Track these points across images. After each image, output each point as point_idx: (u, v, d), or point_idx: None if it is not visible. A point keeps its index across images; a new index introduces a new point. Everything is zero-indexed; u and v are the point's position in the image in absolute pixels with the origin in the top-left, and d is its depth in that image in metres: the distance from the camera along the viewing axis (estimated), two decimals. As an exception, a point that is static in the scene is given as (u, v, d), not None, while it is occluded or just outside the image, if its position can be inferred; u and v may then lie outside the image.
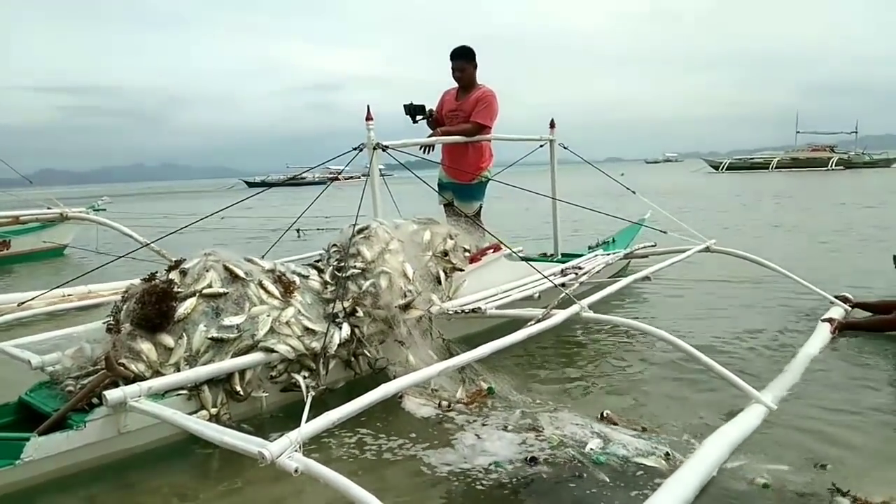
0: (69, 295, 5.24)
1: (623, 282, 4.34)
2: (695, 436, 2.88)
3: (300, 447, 2.14)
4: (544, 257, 5.97)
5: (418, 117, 4.91)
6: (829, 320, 4.39)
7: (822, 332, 4.23)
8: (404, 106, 4.94)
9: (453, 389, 3.55)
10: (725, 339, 4.32)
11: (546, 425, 3.02)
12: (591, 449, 2.76)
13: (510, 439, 2.92)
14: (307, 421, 2.25)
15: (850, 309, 4.75)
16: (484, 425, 3.09)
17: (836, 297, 4.85)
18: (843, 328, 4.34)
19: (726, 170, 47.06)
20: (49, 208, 8.78)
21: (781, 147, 54.63)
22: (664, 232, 5.67)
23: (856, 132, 57.13)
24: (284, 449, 2.09)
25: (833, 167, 41.37)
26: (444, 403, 3.43)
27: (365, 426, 3.16)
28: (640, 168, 76.90)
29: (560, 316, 3.58)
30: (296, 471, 2.04)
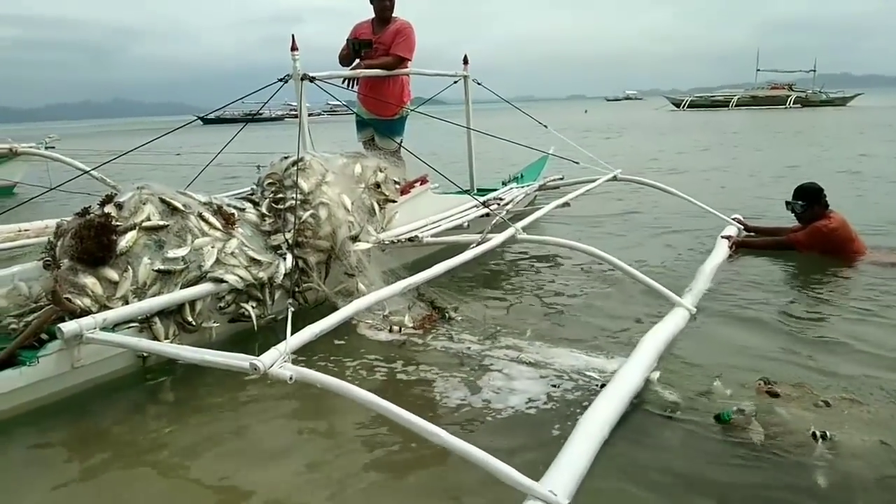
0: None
1: (547, 207, 4.59)
2: (627, 342, 3.18)
3: (289, 358, 2.20)
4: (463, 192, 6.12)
5: (363, 51, 4.84)
6: (728, 237, 4.84)
7: (722, 247, 4.69)
8: (349, 41, 4.85)
9: (402, 316, 3.66)
10: (640, 259, 4.68)
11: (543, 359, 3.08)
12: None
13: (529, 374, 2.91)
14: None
15: (741, 229, 5.25)
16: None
17: (732, 218, 5.35)
18: (739, 245, 4.82)
19: (687, 108, 46.94)
20: None
21: (742, 85, 54.52)
22: (577, 163, 5.98)
23: (814, 71, 57.04)
24: (275, 360, 2.15)
25: (791, 105, 41.54)
26: (395, 328, 3.54)
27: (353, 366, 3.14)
28: (601, 106, 76.73)
29: (498, 238, 3.77)
30: (290, 378, 2.12)
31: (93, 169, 5.00)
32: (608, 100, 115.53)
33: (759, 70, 55.99)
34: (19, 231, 5.07)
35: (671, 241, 5.29)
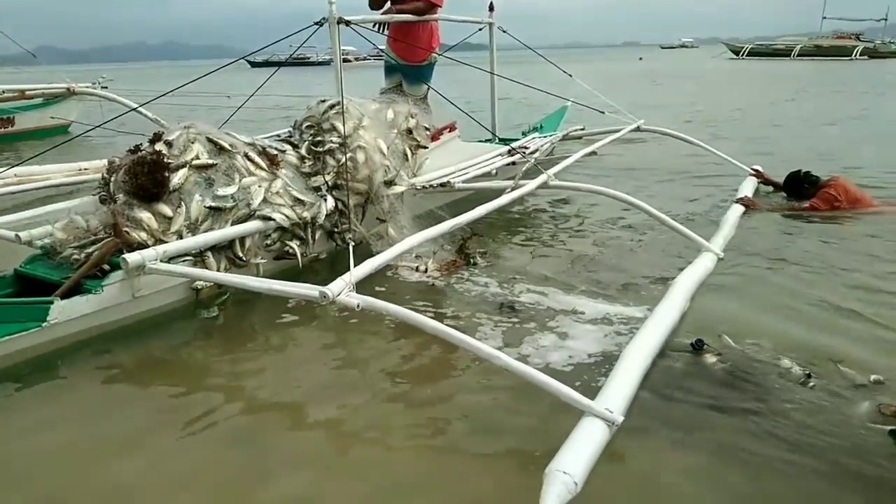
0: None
1: (576, 155, 4.67)
2: (660, 283, 3.31)
3: (353, 287, 2.33)
4: (487, 142, 6.19)
5: None
6: (742, 200, 4.78)
7: (748, 189, 4.81)
8: None
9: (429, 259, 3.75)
10: (666, 208, 4.73)
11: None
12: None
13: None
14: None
15: (758, 181, 5.34)
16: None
17: (752, 169, 5.43)
18: (754, 209, 4.86)
19: (747, 55, 44.09)
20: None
21: (806, 34, 51.91)
22: (602, 112, 6.02)
23: (885, 19, 53.63)
24: (342, 289, 2.28)
25: (857, 57, 38.03)
26: (422, 268, 3.66)
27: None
28: (656, 53, 74.42)
29: (531, 184, 3.86)
30: (357, 306, 2.25)
31: (141, 105, 5.10)
32: (663, 47, 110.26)
33: (824, 18, 52.57)
34: (80, 169, 5.20)
35: (696, 191, 5.39)
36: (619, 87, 17.25)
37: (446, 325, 2.70)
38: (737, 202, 4.67)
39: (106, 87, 9.30)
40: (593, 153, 4.94)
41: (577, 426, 1.91)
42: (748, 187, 5.10)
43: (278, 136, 4.70)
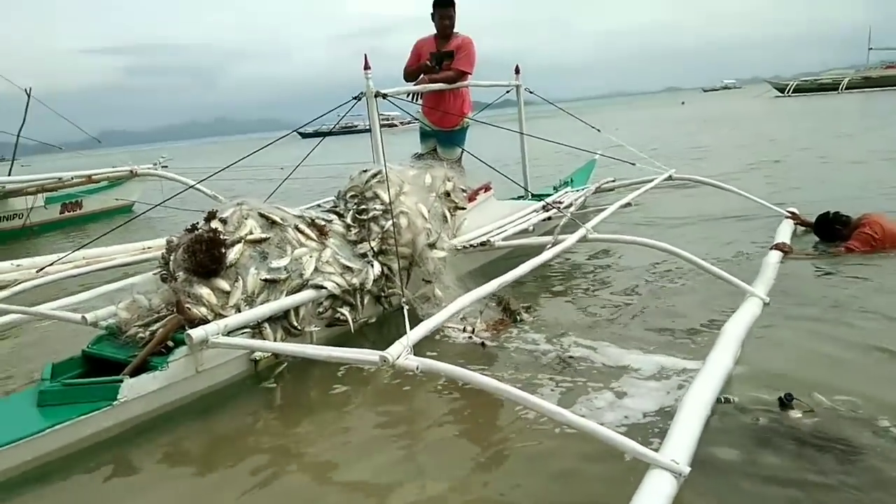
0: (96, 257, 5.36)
1: (612, 207, 4.75)
2: (708, 330, 3.34)
3: (412, 350, 2.41)
4: (518, 199, 6.32)
5: (445, 62, 5.09)
6: (779, 247, 4.69)
7: (784, 234, 4.80)
8: (432, 54, 5.10)
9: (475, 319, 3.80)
10: (705, 254, 4.75)
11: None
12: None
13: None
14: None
15: (794, 223, 5.33)
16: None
17: (787, 211, 5.44)
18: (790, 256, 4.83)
19: (793, 92, 42.84)
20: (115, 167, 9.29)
21: (851, 67, 50.81)
22: (633, 164, 6.13)
23: None
24: (400, 353, 2.36)
25: None
26: (470, 329, 3.70)
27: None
28: (698, 97, 74.01)
29: (571, 239, 3.94)
30: (416, 368, 2.32)
31: (198, 182, 5.39)
32: (705, 90, 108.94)
33: (871, 49, 51.56)
34: (143, 248, 5.44)
35: (733, 236, 5.40)
36: (662, 135, 17.30)
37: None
38: (773, 248, 4.67)
39: (166, 167, 9.88)
40: (628, 204, 5.01)
41: (644, 480, 1.93)
42: (785, 231, 5.09)
43: (319, 205, 4.89)
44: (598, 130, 6.21)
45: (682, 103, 50.19)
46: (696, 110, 35.18)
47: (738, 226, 5.73)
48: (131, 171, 9.17)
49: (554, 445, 2.42)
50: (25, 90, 10.72)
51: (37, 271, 4.53)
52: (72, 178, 9.32)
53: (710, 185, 5.83)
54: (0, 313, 3.90)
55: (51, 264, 4.70)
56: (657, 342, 3.30)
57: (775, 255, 4.49)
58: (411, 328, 2.53)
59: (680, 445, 2.08)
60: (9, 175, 10.39)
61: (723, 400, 2.58)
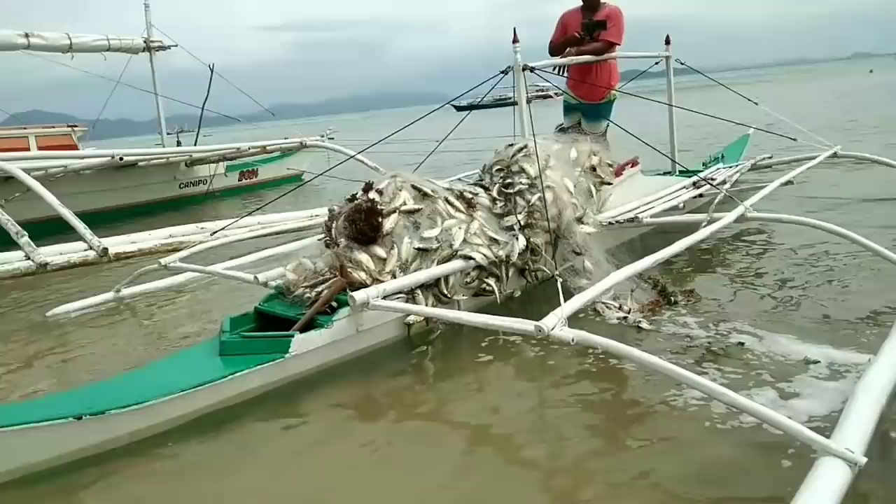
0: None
1: (773, 185, 4.50)
2: (880, 319, 3.11)
3: (566, 322, 2.44)
4: (665, 174, 6.12)
5: (597, 32, 5.00)
6: None
7: None
8: (584, 24, 5.03)
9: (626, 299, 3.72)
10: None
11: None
12: None
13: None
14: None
15: None
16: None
17: None
18: None
19: None
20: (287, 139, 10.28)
21: None
22: (794, 139, 5.76)
23: None
24: (555, 324, 2.40)
25: None
26: (626, 308, 3.58)
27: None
28: (890, 64, 65.88)
29: (728, 217, 3.78)
30: (572, 340, 2.35)
31: (358, 153, 5.73)
32: None
33: None
34: (311, 216, 5.82)
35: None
36: (844, 106, 15.85)
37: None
38: None
39: (332, 139, 10.60)
40: (790, 182, 4.72)
41: (813, 469, 1.85)
42: None
43: (460, 179, 4.98)
44: (756, 104, 5.85)
45: (871, 71, 45.52)
46: (885, 79, 31.58)
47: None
48: (301, 143, 10.16)
49: (707, 431, 2.35)
50: (209, 66, 11.65)
51: (211, 234, 4.98)
52: (248, 148, 10.31)
53: (881, 162, 5.36)
54: (180, 271, 4.35)
55: (224, 228, 5.13)
56: (822, 331, 3.11)
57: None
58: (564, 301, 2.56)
59: (855, 434, 1.97)
60: (195, 144, 11.60)
61: None
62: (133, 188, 10.05)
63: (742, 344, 2.98)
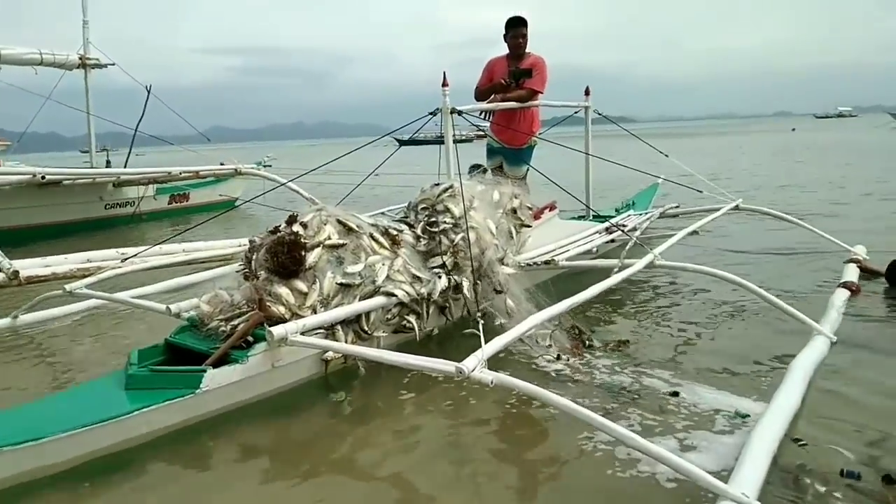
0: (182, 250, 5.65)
1: (680, 234, 4.76)
2: (774, 366, 3.32)
3: (486, 364, 2.49)
4: (579, 219, 6.36)
5: (523, 79, 5.19)
6: (846, 285, 4.61)
7: (851, 275, 4.70)
8: (511, 71, 5.20)
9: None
10: (770, 288, 4.68)
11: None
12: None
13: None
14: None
15: (858, 269, 5.15)
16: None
17: (853, 252, 5.33)
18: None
19: None
20: (222, 164, 10.10)
21: None
22: (700, 192, 6.11)
23: None
24: (475, 365, 2.43)
25: None
26: (563, 356, 3.63)
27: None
28: (810, 123, 70.38)
29: (639, 264, 3.96)
30: (491, 382, 2.39)
31: (290, 181, 5.94)
32: (817, 117, 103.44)
33: None
34: (240, 245, 5.60)
35: (799, 271, 5.33)
36: (762, 161, 16.66)
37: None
38: (841, 286, 4.58)
39: (269, 166, 10.39)
40: (695, 232, 5.01)
41: (712, 512, 1.96)
42: (852, 271, 4.99)
43: (383, 213, 5.02)
44: (667, 155, 6.20)
45: (793, 130, 49.09)
46: (805, 138, 34.01)
47: (807, 262, 5.64)
48: (235, 170, 9.94)
49: (618, 473, 2.45)
50: (146, 87, 11.38)
51: (122, 259, 4.78)
52: (180, 173, 10.10)
53: (777, 217, 5.77)
54: (86, 298, 4.15)
55: (138, 253, 4.93)
56: (722, 377, 3.29)
57: (842, 294, 4.43)
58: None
59: (749, 479, 2.10)
60: (125, 166, 11.31)
61: (798, 442, 2.57)
62: (56, 206, 9.61)
63: (676, 394, 3.09)
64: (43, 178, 8.07)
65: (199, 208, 11.79)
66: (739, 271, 4.54)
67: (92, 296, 3.99)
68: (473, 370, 2.41)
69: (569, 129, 6.45)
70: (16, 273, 5.09)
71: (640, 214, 6.14)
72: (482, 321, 2.78)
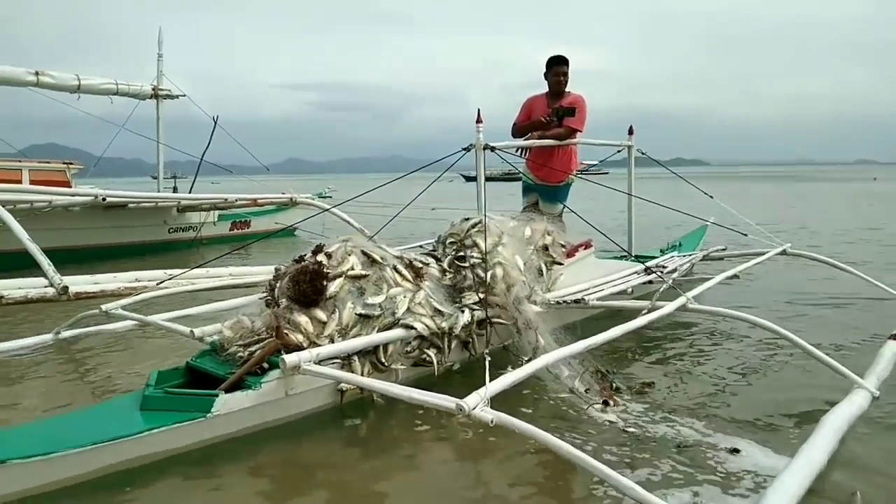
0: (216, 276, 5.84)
1: (718, 278, 4.61)
2: (806, 421, 3.14)
3: (488, 403, 2.43)
4: (621, 258, 6.23)
5: (566, 118, 5.20)
6: None
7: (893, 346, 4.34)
8: (554, 109, 5.22)
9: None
10: (813, 339, 4.46)
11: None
12: None
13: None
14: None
15: None
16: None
17: None
18: None
19: None
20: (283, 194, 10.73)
21: None
22: (745, 234, 5.93)
23: None
24: (477, 403, 2.39)
25: None
26: (608, 405, 3.43)
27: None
28: (894, 172, 69.06)
29: (669, 307, 3.85)
30: (491, 421, 2.34)
31: (334, 207, 6.61)
32: None
33: None
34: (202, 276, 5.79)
35: (846, 322, 5.08)
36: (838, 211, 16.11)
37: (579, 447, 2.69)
38: (892, 338, 4.32)
39: (330, 197, 10.71)
40: (736, 276, 4.84)
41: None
42: None
43: (422, 247, 5.04)
44: (711, 196, 6.04)
45: (874, 179, 47.13)
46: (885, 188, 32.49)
47: (856, 312, 5.38)
48: (291, 199, 10.46)
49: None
50: (213, 118, 12.06)
51: (157, 283, 4.92)
52: (236, 200, 10.57)
53: (827, 263, 5.53)
54: (120, 319, 4.28)
55: (175, 276, 5.07)
56: (749, 428, 3.13)
57: (893, 347, 4.17)
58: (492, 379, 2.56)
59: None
60: (190, 191, 12.00)
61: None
62: (122, 228, 10.10)
63: (663, 435, 2.97)
64: (104, 199, 8.44)
65: (260, 235, 12.12)
66: (781, 319, 4.36)
67: (126, 317, 4.11)
68: (474, 408, 2.37)
69: (643, 170, 6.39)
70: (65, 288, 5.32)
71: (684, 256, 5.98)
72: (489, 358, 2.73)
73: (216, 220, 11.76)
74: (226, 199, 10.54)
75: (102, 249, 9.57)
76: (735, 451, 2.82)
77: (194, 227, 11.33)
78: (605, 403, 3.38)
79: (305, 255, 3.70)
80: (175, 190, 14.30)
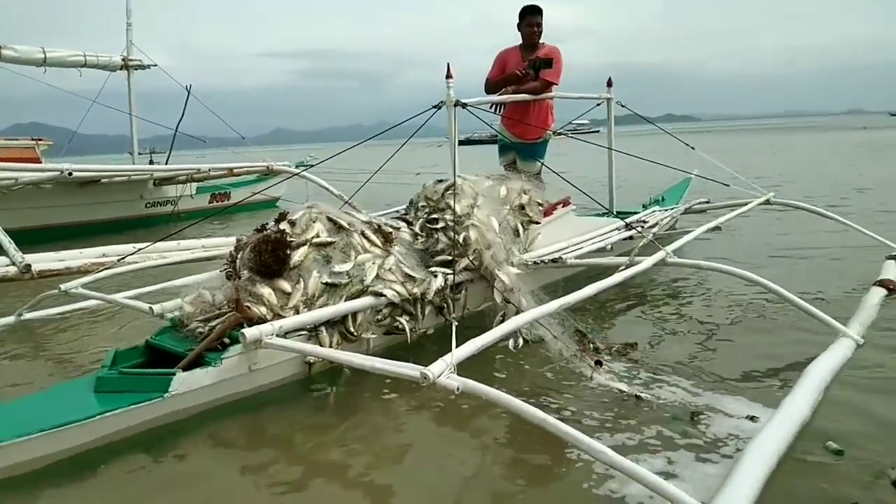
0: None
1: (698, 230, 4.49)
2: (790, 372, 3.04)
3: (454, 369, 2.31)
4: (601, 214, 6.10)
5: (543, 70, 4.98)
6: (884, 283, 4.28)
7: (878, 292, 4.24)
8: (530, 61, 4.99)
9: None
10: (798, 288, 4.36)
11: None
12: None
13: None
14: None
15: None
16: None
17: (891, 254, 4.93)
18: None
19: None
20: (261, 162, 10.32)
21: None
22: (727, 185, 5.79)
23: None
24: (442, 371, 2.26)
25: None
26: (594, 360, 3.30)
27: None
28: (883, 121, 66.73)
29: (648, 262, 3.73)
30: (457, 389, 2.22)
31: (303, 171, 6.88)
32: (892, 114, 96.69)
33: None
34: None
35: (830, 270, 4.98)
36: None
37: (558, 409, 2.58)
38: (877, 284, 4.23)
39: (312, 165, 10.49)
40: (717, 228, 4.71)
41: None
42: (892, 268, 4.61)
43: (398, 212, 4.87)
44: (693, 148, 5.89)
45: (864, 128, 46.29)
46: (873, 136, 31.82)
47: (842, 262, 5.27)
48: (268, 168, 10.03)
49: (599, 484, 2.24)
50: (186, 87, 11.64)
51: (119, 259, 4.73)
52: (209, 170, 10.26)
53: (812, 211, 5.41)
54: (81, 298, 4.12)
55: (140, 249, 4.88)
56: (731, 382, 3.04)
57: (877, 293, 4.08)
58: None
59: (735, 500, 1.87)
60: (165, 164, 11.70)
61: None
62: (97, 205, 9.83)
63: (643, 393, 2.87)
64: (70, 174, 8.19)
65: (241, 207, 11.90)
66: (764, 270, 4.25)
67: (86, 295, 3.95)
68: (439, 376, 2.24)
69: (631, 128, 6.21)
70: (27, 266, 5.13)
71: (665, 210, 5.85)
72: (455, 322, 2.60)
73: (194, 192, 11.44)
74: (199, 170, 10.26)
75: (77, 227, 9.31)
76: (753, 418, 2.61)
77: (172, 201, 11.04)
78: (599, 364, 3.25)
79: (268, 223, 3.53)
80: (151, 164, 13.97)
